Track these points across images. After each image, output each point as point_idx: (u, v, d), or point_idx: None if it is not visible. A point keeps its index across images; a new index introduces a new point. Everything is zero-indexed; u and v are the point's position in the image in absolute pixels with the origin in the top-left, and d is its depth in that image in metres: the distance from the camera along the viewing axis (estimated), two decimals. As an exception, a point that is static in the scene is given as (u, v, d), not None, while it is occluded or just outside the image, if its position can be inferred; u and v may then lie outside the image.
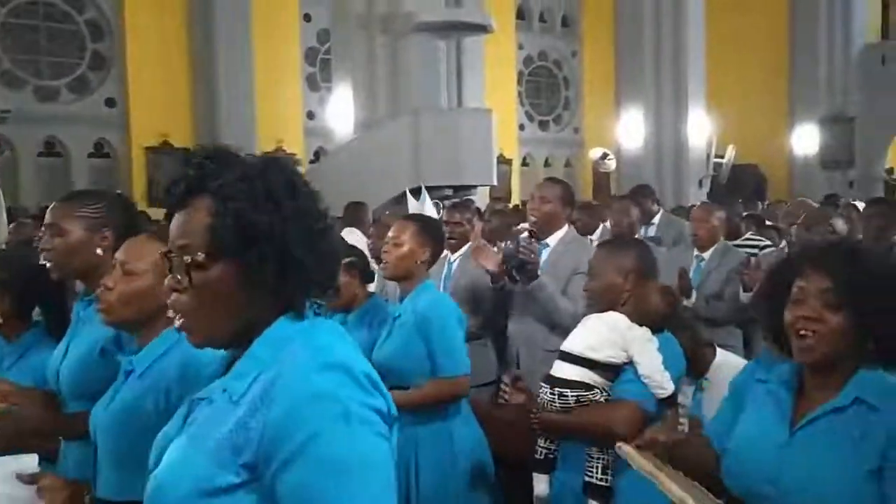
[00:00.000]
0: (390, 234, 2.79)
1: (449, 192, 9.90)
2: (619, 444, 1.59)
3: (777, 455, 1.54)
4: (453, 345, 2.63)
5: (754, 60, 17.84)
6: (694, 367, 2.54)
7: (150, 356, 1.61)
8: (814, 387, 1.57)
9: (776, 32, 18.20)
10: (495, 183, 11.02)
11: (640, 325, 2.20)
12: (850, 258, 1.54)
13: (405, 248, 2.72)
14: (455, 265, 3.91)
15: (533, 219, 3.49)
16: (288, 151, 14.82)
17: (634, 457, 1.52)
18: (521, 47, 18.40)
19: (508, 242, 3.32)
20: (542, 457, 2.30)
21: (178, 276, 1.09)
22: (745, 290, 3.78)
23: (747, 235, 5.26)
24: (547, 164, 19.43)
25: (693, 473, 1.51)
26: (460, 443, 2.61)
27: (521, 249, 3.16)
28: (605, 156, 16.25)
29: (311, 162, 14.33)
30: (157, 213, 2.56)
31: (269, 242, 1.06)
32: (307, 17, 15.17)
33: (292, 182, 1.12)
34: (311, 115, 15.47)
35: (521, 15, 18.37)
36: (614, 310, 2.26)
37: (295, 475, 0.99)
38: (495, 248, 3.34)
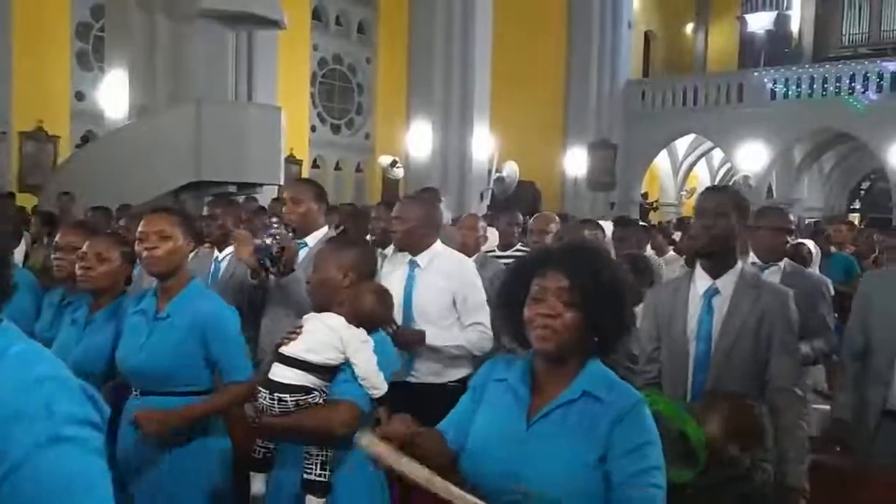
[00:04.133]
0: (152, 227, 2.53)
1: (232, 188, 9.51)
2: (359, 435, 1.59)
3: (516, 449, 1.61)
4: (237, 349, 2.53)
5: (535, 89, 19.17)
6: None
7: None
8: (547, 381, 1.67)
9: (554, 65, 19.72)
10: (282, 182, 10.77)
11: (357, 326, 2.23)
12: (584, 260, 1.67)
13: (175, 243, 2.52)
14: (223, 264, 3.74)
15: (288, 220, 3.38)
16: (50, 133, 13.46)
17: (376, 448, 1.52)
18: (315, 48, 18.23)
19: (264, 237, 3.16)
20: (260, 456, 2.28)
21: None
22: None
23: (518, 246, 5.57)
24: (338, 167, 19.38)
25: (429, 465, 1.54)
26: (214, 454, 2.51)
27: (270, 234, 3.04)
28: (394, 163, 16.51)
29: (78, 146, 13.10)
30: None
31: None
32: (80, -12, 13.89)
33: None
34: (80, 96, 14.15)
35: (317, 15, 18.19)
36: (331, 304, 2.27)
37: None
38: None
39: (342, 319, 2.22)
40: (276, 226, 3.14)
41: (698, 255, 2.60)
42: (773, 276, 3.42)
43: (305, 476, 2.14)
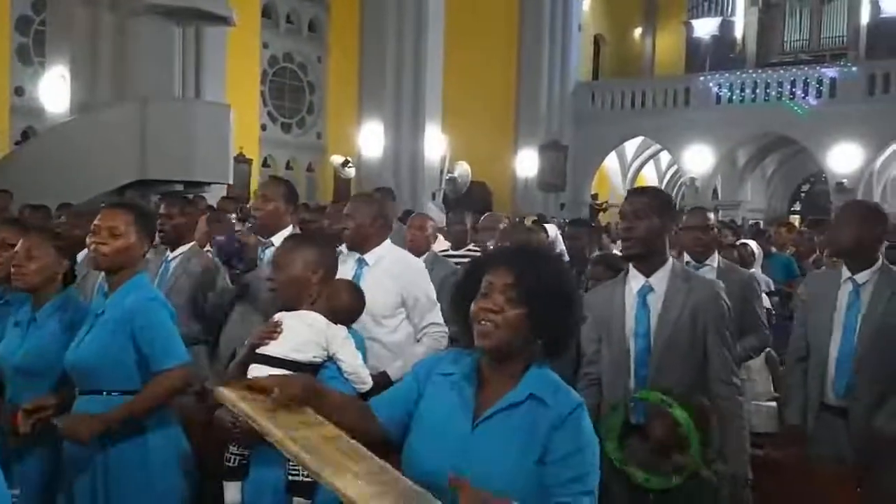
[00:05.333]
0: (106, 222, 2.45)
1: (179, 187, 9.33)
2: (219, 388, 1.57)
3: (459, 446, 1.61)
4: (165, 335, 2.40)
5: (486, 90, 19.29)
6: None
7: None
8: (492, 380, 1.67)
9: (506, 68, 19.88)
10: (231, 181, 10.60)
11: (335, 323, 2.22)
12: (532, 259, 1.68)
13: (126, 240, 2.43)
14: (174, 264, 3.66)
15: (255, 218, 3.38)
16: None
17: (234, 401, 1.48)
18: (266, 46, 17.99)
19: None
20: (234, 464, 2.23)
21: None
22: None
23: (470, 245, 5.60)
24: (289, 166, 19.17)
25: (353, 436, 1.56)
26: (156, 454, 2.40)
27: (228, 232, 3.02)
28: (346, 163, 16.42)
29: (18, 143, 12.69)
30: None
31: None
32: (20, -19, 13.47)
33: None
34: (19, 91, 13.72)
35: (267, 13, 17.97)
36: (300, 302, 2.25)
37: None
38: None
39: (321, 316, 2.20)
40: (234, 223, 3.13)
41: (626, 259, 2.66)
42: (707, 274, 3.51)
43: (291, 478, 2.10)
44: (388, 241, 3.31)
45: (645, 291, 2.58)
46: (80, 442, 2.27)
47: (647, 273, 2.58)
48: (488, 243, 4.62)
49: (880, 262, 3.03)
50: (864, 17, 20.35)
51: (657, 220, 2.54)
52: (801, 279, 5.77)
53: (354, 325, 2.42)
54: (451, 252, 5.22)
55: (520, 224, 5.24)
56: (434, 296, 3.29)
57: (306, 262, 2.28)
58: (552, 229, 5.43)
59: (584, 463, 1.58)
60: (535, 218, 9.63)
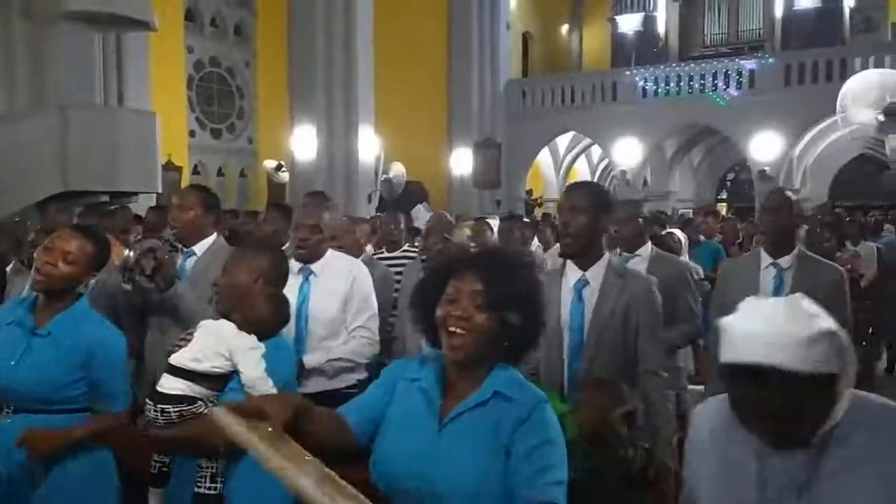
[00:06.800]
0: (62, 244, 2.41)
1: (105, 198, 9.06)
2: (213, 409, 1.56)
3: (427, 448, 1.62)
4: (120, 377, 2.45)
5: (418, 90, 19.30)
6: None
7: None
8: (459, 383, 1.68)
9: (436, 68, 19.93)
10: (160, 190, 10.34)
11: (251, 333, 2.20)
12: (500, 266, 1.69)
13: (78, 267, 2.41)
14: (92, 280, 3.55)
15: (174, 228, 3.30)
16: None
17: (228, 423, 1.46)
18: (190, 50, 17.61)
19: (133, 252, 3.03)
20: (156, 471, 2.23)
21: None
22: None
23: (405, 247, 5.60)
24: (220, 173, 18.83)
25: (323, 444, 1.53)
26: (84, 464, 2.40)
27: (142, 254, 2.94)
28: (279, 167, 16.22)
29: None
30: None
31: None
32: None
33: None
34: (-71, 104, 13.07)
35: (190, 17, 17.59)
36: (238, 309, 2.24)
37: None
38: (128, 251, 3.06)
39: (233, 326, 2.18)
40: (147, 241, 3.04)
41: (566, 257, 2.71)
42: (639, 263, 3.60)
43: (197, 489, 2.09)
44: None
45: (581, 285, 2.63)
46: (38, 456, 2.28)
47: (584, 267, 2.63)
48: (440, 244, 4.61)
49: (798, 247, 3.20)
50: (779, 10, 21.17)
51: (595, 215, 2.59)
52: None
53: (309, 338, 2.40)
54: (386, 254, 5.23)
55: (479, 223, 5.29)
56: (373, 301, 3.29)
57: (250, 269, 2.27)
58: (495, 225, 5.50)
59: (551, 454, 1.59)
60: (477, 218, 9.71)
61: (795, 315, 1.28)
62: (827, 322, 1.28)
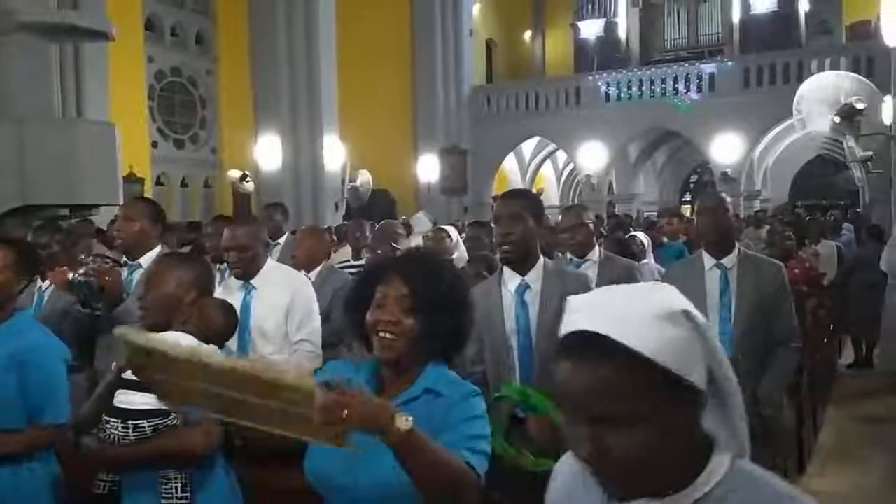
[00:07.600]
0: None
1: (65, 212, 8.89)
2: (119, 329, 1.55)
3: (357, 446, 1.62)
4: (59, 390, 2.37)
5: (383, 97, 19.33)
6: None
7: None
8: (392, 384, 1.71)
9: (401, 75, 19.97)
10: (122, 202, 10.17)
11: (207, 343, 2.18)
12: (424, 270, 1.72)
13: (4, 276, 2.39)
14: (47, 295, 3.49)
15: (119, 240, 3.26)
16: None
17: (135, 338, 1.48)
18: (151, 60, 17.37)
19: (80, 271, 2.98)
20: (104, 491, 2.21)
21: None
22: None
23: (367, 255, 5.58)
24: (184, 183, 18.59)
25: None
26: (29, 481, 2.33)
27: (87, 272, 2.90)
28: (244, 177, 16.07)
29: None
30: None
31: None
32: None
33: None
34: None
35: (150, 26, 17.36)
36: (172, 323, 2.21)
37: None
38: (72, 275, 3.01)
39: (190, 337, 2.15)
40: (91, 261, 2.99)
41: (507, 263, 2.73)
42: (589, 267, 3.65)
43: (164, 501, 2.06)
44: (270, 261, 3.30)
45: (522, 290, 2.68)
46: None
47: (523, 272, 2.69)
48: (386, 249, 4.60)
49: (738, 246, 3.28)
50: (737, 15, 21.58)
51: (532, 221, 2.65)
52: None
53: (252, 350, 2.38)
54: (352, 262, 5.21)
55: (438, 231, 5.30)
56: (316, 314, 3.28)
57: (180, 281, 2.24)
58: (454, 232, 5.50)
59: (474, 427, 1.61)
60: (435, 226, 9.73)
61: (650, 293, 0.97)
62: (698, 321, 0.96)
